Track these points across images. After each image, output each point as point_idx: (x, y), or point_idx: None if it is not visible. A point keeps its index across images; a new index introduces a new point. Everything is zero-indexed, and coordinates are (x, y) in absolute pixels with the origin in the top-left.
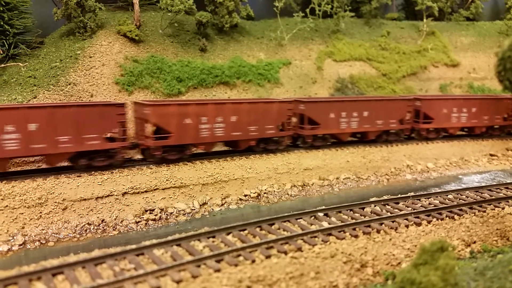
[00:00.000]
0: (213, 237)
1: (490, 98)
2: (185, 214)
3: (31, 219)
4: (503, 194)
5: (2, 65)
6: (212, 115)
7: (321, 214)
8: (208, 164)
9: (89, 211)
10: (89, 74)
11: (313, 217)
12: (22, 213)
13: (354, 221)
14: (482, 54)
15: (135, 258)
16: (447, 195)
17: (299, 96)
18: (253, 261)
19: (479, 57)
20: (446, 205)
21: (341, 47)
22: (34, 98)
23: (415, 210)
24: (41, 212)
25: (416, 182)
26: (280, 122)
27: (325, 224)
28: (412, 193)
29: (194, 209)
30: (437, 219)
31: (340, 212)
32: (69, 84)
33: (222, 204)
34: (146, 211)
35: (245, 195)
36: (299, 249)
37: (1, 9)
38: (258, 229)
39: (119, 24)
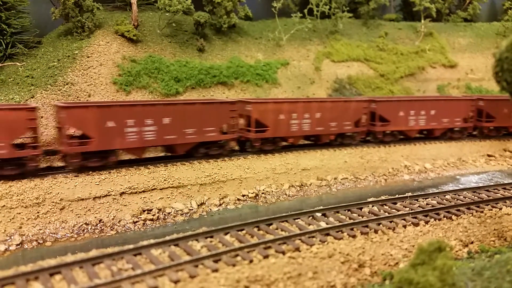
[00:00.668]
0: (211, 237)
1: (449, 99)
2: (183, 214)
3: (28, 219)
4: (501, 194)
5: (0, 65)
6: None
7: (319, 214)
8: (206, 164)
9: (86, 211)
10: (87, 74)
11: (311, 217)
12: (20, 213)
13: (352, 221)
14: (480, 55)
15: (133, 258)
16: (444, 196)
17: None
18: (251, 261)
19: (477, 58)
20: (443, 206)
21: (339, 48)
22: (32, 98)
23: (413, 211)
24: (38, 212)
25: (413, 183)
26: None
27: (323, 224)
28: (410, 194)
29: (192, 209)
30: (435, 220)
31: (338, 212)
32: (67, 84)
33: (220, 204)
34: (144, 211)
35: (243, 195)
36: (297, 249)
37: None
38: (256, 229)
39: (117, 24)
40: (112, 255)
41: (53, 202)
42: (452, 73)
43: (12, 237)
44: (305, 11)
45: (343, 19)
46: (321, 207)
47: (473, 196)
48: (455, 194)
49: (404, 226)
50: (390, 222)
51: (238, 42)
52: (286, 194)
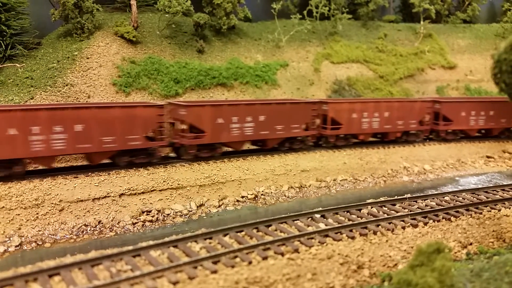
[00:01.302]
0: (210, 238)
1: (404, 101)
2: (182, 215)
3: (27, 220)
4: (500, 196)
5: None
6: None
7: (318, 215)
8: (205, 165)
9: (85, 212)
10: (86, 75)
11: (310, 219)
12: (19, 214)
13: (351, 222)
14: (479, 57)
15: (132, 259)
16: (443, 197)
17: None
18: (250, 263)
19: (476, 60)
20: (442, 207)
21: (338, 49)
22: (31, 99)
23: (412, 212)
24: (37, 213)
25: (413, 184)
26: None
27: (322, 226)
28: (409, 195)
29: (191, 211)
30: (434, 221)
31: (337, 213)
32: (66, 85)
33: (219, 206)
34: (143, 212)
35: (242, 197)
36: (296, 251)
37: None
38: (255, 231)
39: (116, 25)
40: (111, 257)
41: (52, 203)
42: (451, 74)
43: (11, 238)
44: (305, 12)
45: (342, 21)
46: (320, 209)
47: (472, 198)
48: (454, 196)
49: (403, 228)
50: (389, 223)
51: (238, 44)
52: (285, 196)
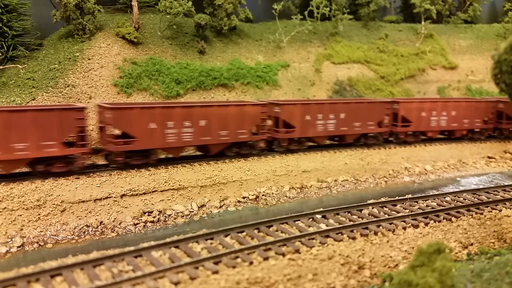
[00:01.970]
0: (211, 239)
1: (361, 102)
2: (183, 216)
3: (29, 221)
4: (501, 196)
5: (1, 67)
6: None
7: (319, 216)
8: (206, 166)
9: (87, 213)
10: (88, 76)
11: (311, 219)
12: (21, 215)
13: (351, 223)
14: (480, 57)
15: (133, 260)
16: (444, 197)
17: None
18: (251, 263)
19: (477, 60)
20: (443, 207)
21: (339, 50)
22: (33, 100)
23: (413, 212)
24: (39, 214)
25: (414, 184)
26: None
27: (323, 226)
28: (410, 195)
29: (193, 211)
30: (435, 221)
31: (338, 214)
32: (68, 86)
33: (221, 206)
34: (145, 213)
35: (244, 197)
36: (297, 251)
37: (0, 11)
38: (256, 231)
39: (117, 26)
40: (113, 257)
41: (54, 204)
42: (452, 74)
43: (13, 239)
44: (306, 13)
45: (343, 21)
46: (321, 209)
47: (473, 198)
48: (455, 196)
49: (404, 228)
50: (390, 224)
51: (239, 44)
52: (286, 196)
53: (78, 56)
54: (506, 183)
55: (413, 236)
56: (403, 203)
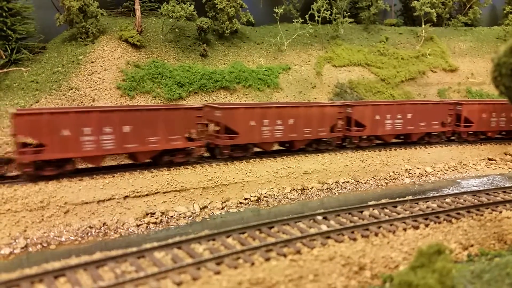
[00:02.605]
0: (213, 240)
1: (310, 106)
2: (185, 217)
3: (33, 222)
4: (501, 198)
5: (5, 70)
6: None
7: (320, 217)
8: (208, 168)
9: (90, 214)
10: (91, 79)
11: (312, 221)
12: (24, 217)
13: (352, 224)
14: (480, 60)
15: (136, 261)
16: (445, 199)
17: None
18: (253, 264)
19: (477, 62)
20: (443, 209)
21: (340, 53)
22: (36, 102)
23: (413, 214)
24: (43, 216)
25: (414, 186)
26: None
27: (324, 227)
28: (410, 197)
29: (195, 213)
30: (435, 223)
31: (338, 215)
32: (71, 89)
33: (222, 208)
34: (147, 214)
35: (245, 199)
36: (298, 252)
37: (4, 14)
38: (257, 232)
39: (120, 30)
40: (116, 258)
41: (58, 205)
42: (452, 77)
43: (17, 240)
44: (307, 16)
45: (344, 24)
46: (322, 210)
47: (473, 200)
48: (455, 198)
49: (404, 229)
50: (391, 225)
51: (240, 47)
52: (287, 198)
53: (81, 59)
54: (506, 185)
55: (413, 237)
56: (403, 205)
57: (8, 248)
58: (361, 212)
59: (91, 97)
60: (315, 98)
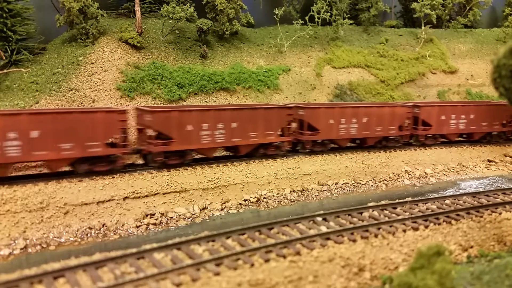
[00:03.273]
0: (213, 241)
1: (254, 108)
2: (185, 218)
3: (32, 223)
4: (500, 199)
5: (5, 71)
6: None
7: (319, 218)
8: (208, 169)
9: (90, 215)
10: (91, 80)
11: (311, 222)
12: (24, 217)
13: (352, 225)
14: (480, 61)
15: (136, 262)
16: (444, 201)
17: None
18: (252, 265)
19: (477, 64)
20: (443, 210)
21: (340, 54)
22: (36, 103)
23: (413, 215)
24: (42, 216)
25: (414, 188)
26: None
27: (324, 229)
28: (410, 198)
29: (194, 214)
30: (435, 224)
31: (338, 216)
32: (71, 90)
33: (222, 209)
34: (147, 215)
35: (245, 200)
36: (298, 253)
37: (4, 15)
38: (257, 233)
39: (121, 31)
40: (115, 259)
41: (57, 206)
42: (452, 79)
43: (16, 241)
44: (307, 18)
45: (344, 26)
46: (322, 212)
47: (472, 201)
48: (455, 199)
49: (404, 231)
50: (390, 226)
51: (240, 49)
52: (287, 199)
53: (81, 60)
54: (506, 187)
55: (413, 238)
56: (403, 206)
57: (8, 249)
58: (361, 213)
59: (91, 98)
60: (315, 100)
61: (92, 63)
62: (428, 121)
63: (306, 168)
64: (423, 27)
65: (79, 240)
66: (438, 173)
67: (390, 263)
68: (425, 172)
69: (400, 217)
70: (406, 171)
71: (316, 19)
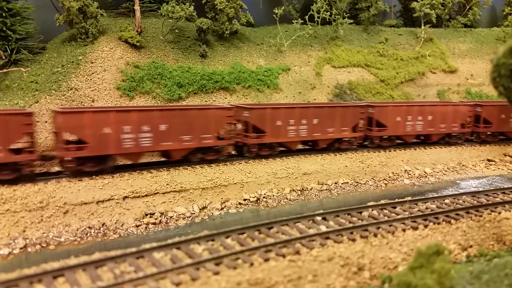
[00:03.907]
0: (212, 240)
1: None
2: (185, 218)
3: (32, 222)
4: (500, 199)
5: (4, 70)
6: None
7: (319, 218)
8: (208, 168)
9: (90, 214)
10: (91, 79)
11: (311, 221)
12: (23, 217)
13: (351, 225)
14: (480, 61)
15: (135, 261)
16: (444, 200)
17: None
18: (252, 264)
19: (477, 64)
20: (443, 210)
21: (339, 54)
22: (36, 103)
23: (412, 215)
24: (42, 216)
25: (413, 187)
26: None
27: (323, 228)
28: (410, 198)
29: (194, 213)
30: (434, 223)
31: (338, 216)
32: (71, 89)
33: (222, 208)
34: (147, 215)
35: (245, 199)
36: (297, 253)
37: (4, 14)
38: (256, 233)
39: (120, 30)
40: (115, 258)
41: (57, 206)
42: (452, 78)
43: (16, 241)
44: (306, 17)
45: (343, 25)
46: (322, 211)
47: (472, 200)
48: (454, 198)
49: (404, 230)
50: (390, 226)
51: (240, 48)
52: (287, 198)
53: (81, 59)
54: (505, 186)
55: (412, 238)
56: (402, 206)
57: (7, 249)
58: (360, 212)
59: (91, 97)
60: (315, 99)
61: (92, 63)
62: (383, 122)
63: (305, 167)
64: (422, 27)
65: (78, 239)
66: (438, 172)
67: (390, 262)
68: (425, 172)
69: (399, 217)
70: (405, 170)
71: (316, 19)
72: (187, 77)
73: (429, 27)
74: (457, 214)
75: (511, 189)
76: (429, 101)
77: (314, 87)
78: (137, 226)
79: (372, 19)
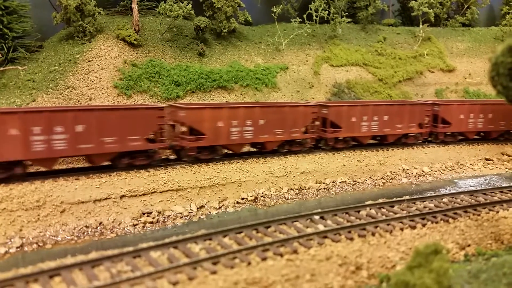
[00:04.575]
0: (210, 239)
1: (128, 109)
2: (182, 217)
3: (28, 221)
4: (498, 198)
5: (1, 69)
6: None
7: (317, 217)
8: (205, 167)
9: (87, 213)
10: (88, 78)
11: (309, 220)
12: (20, 216)
13: (349, 224)
14: (478, 60)
15: (132, 260)
16: (442, 199)
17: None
18: (249, 263)
19: (475, 63)
20: (441, 209)
21: (337, 52)
22: (33, 101)
23: (410, 214)
24: (39, 215)
25: (411, 186)
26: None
27: (321, 227)
28: (407, 197)
29: (192, 212)
30: (432, 223)
31: (335, 215)
32: (68, 88)
33: (219, 207)
34: (144, 214)
35: (242, 198)
36: (295, 252)
37: (1, 12)
38: (254, 232)
39: (118, 29)
40: (112, 258)
41: (54, 205)
42: (450, 77)
43: (12, 240)
44: (304, 16)
45: (342, 24)
46: (319, 210)
47: (470, 199)
48: (452, 198)
49: (401, 229)
50: (388, 225)
51: (238, 47)
52: (285, 197)
53: (78, 58)
54: (503, 185)
55: (410, 237)
56: (400, 205)
57: (4, 248)
58: (358, 211)
59: (88, 96)
60: (313, 98)
61: (89, 61)
62: (338, 123)
63: (303, 166)
64: (421, 26)
65: (75, 238)
66: (436, 171)
67: (388, 261)
68: (423, 171)
69: (397, 216)
70: (403, 169)
71: (314, 17)
72: (185, 75)
73: (427, 26)
74: (455, 213)
75: (509, 188)
76: (384, 100)
77: (312, 86)
78: (134, 225)
79: (370, 18)
